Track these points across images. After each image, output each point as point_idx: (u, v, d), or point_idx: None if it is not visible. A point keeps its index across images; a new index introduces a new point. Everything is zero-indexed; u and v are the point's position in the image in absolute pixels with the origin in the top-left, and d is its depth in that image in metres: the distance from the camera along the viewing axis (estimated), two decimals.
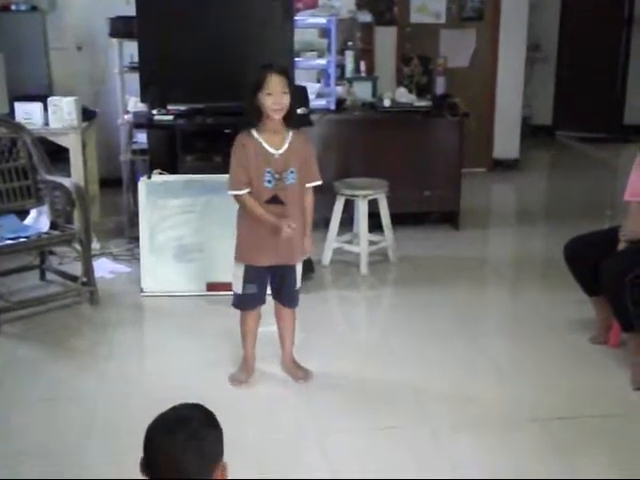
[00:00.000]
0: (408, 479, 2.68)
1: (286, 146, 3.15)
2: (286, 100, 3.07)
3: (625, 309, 3.36)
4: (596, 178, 7.45)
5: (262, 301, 3.36)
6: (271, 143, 3.14)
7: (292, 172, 3.17)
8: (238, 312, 3.36)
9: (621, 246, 3.51)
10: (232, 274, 3.33)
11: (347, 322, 4.34)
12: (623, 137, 8.79)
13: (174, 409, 1.69)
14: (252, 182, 3.15)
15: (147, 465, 1.62)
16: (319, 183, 3.31)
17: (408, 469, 2.76)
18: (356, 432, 3.01)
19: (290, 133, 3.18)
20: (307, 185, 3.26)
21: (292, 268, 3.32)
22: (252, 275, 3.26)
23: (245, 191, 3.16)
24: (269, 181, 3.14)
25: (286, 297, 3.37)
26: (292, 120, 3.17)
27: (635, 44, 9.10)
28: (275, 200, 3.17)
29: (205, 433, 1.63)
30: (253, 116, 3.10)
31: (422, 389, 3.36)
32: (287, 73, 3.13)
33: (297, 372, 3.44)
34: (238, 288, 3.30)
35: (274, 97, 3.03)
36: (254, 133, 3.13)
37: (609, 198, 6.29)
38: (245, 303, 3.33)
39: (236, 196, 3.19)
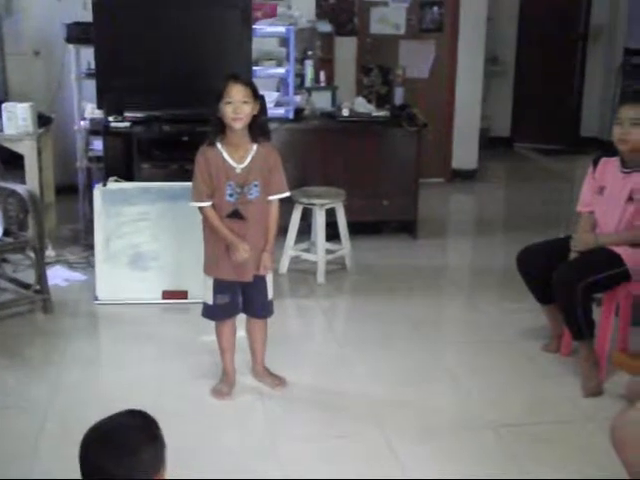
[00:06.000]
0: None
1: (249, 159, 3.10)
2: (246, 110, 3.01)
3: (576, 318, 3.40)
4: (552, 189, 7.54)
5: (237, 310, 3.30)
6: (233, 156, 3.09)
7: (256, 185, 3.11)
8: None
9: (572, 256, 3.56)
10: (203, 284, 3.27)
11: (304, 331, 4.34)
12: (579, 149, 8.91)
13: (110, 418, 1.63)
14: (214, 195, 3.11)
15: (82, 476, 1.58)
16: (285, 195, 3.23)
17: (361, 476, 2.76)
18: (310, 440, 3.01)
19: (255, 146, 3.12)
20: (270, 197, 3.19)
21: (262, 278, 3.26)
22: (222, 286, 3.20)
23: (208, 203, 3.12)
24: (231, 195, 3.09)
25: (258, 308, 3.32)
26: (256, 131, 3.11)
27: (590, 58, 9.26)
28: (235, 214, 3.11)
29: (141, 444, 1.57)
30: (216, 127, 3.07)
31: (377, 397, 3.37)
32: (251, 84, 3.09)
33: (273, 380, 3.41)
34: (208, 299, 3.24)
35: (233, 105, 2.98)
36: (217, 145, 3.09)
37: (565, 208, 6.38)
38: (218, 313, 3.26)
39: (200, 208, 3.16)
